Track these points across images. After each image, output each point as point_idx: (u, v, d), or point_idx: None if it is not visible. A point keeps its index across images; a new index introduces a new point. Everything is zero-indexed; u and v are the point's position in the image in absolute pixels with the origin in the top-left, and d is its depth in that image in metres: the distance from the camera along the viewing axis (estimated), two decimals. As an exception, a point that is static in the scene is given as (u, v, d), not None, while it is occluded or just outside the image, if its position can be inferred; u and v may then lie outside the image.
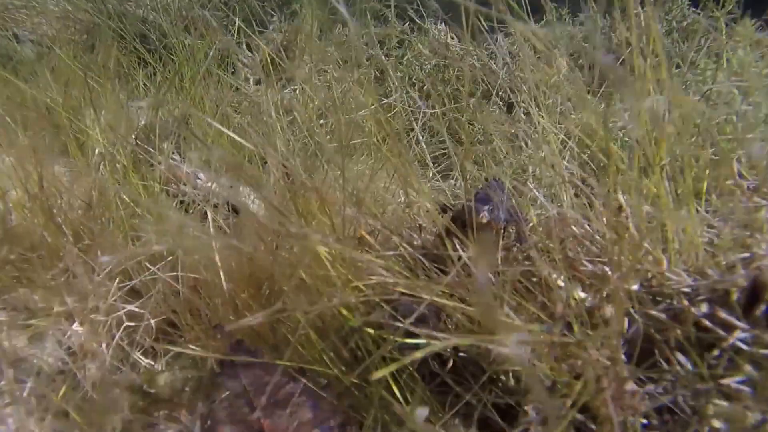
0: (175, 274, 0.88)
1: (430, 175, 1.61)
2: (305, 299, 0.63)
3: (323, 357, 0.61)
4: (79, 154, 1.29)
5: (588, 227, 0.80)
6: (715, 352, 0.58)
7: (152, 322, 0.81)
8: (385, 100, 1.83)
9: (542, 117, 1.10)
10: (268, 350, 0.68)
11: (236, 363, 0.67)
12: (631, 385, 0.55)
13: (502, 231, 0.79)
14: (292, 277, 0.64)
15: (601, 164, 1.51)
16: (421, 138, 2.02)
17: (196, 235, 0.79)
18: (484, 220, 0.73)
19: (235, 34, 2.29)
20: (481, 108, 1.98)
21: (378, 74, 2.26)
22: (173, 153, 1.52)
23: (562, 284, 0.66)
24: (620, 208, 0.77)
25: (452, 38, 2.35)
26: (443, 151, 2.09)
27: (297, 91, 2.04)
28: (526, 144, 1.73)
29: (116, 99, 1.57)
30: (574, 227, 0.79)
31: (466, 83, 2.16)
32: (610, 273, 0.66)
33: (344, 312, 0.59)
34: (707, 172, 0.96)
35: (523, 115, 2.09)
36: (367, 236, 0.75)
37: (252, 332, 0.69)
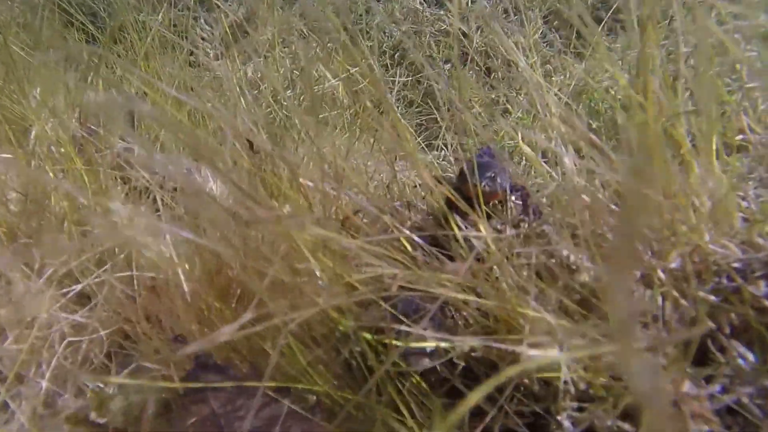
0: (129, 274, 0.74)
1: (412, 147, 1.49)
2: (284, 301, 0.50)
3: (311, 371, 0.49)
4: (20, 142, 1.12)
5: (601, 195, 0.69)
6: (778, 337, 0.48)
7: (102, 334, 0.67)
8: (354, 69, 1.69)
9: (534, 71, 0.98)
10: (242, 365, 0.55)
11: (203, 382, 0.54)
12: (689, 386, 0.45)
13: (508, 203, 0.69)
14: (264, 273, 0.51)
15: (594, 126, 1.40)
16: (396, 108, 1.87)
17: (149, 227, 0.65)
18: (487, 190, 0.62)
19: (191, 7, 2.10)
20: (457, 74, 1.84)
21: (347, 43, 2.10)
22: (125, 135, 1.35)
23: (589, 265, 0.56)
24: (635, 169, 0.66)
25: (421, 4, 2.20)
26: (420, 122, 1.96)
27: (261, 64, 1.87)
28: (508, 110, 1.62)
29: (62, 80, 1.39)
30: (584, 196, 0.69)
31: (439, 49, 2.02)
32: (642, 248, 0.56)
33: (333, 315, 0.47)
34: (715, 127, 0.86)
35: (501, 79, 1.97)
36: (353, 217, 0.62)
37: (222, 343, 0.56)
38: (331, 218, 0.61)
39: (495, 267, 0.53)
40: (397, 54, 2.09)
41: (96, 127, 1.26)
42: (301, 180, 0.64)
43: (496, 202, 0.66)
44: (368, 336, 0.47)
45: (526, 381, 0.56)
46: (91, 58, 1.82)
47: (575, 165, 0.88)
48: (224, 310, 0.59)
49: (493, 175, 0.62)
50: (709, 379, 0.49)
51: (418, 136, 1.77)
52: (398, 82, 1.98)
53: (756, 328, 0.48)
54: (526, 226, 0.64)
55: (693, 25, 0.86)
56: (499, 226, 0.63)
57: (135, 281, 0.72)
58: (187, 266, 0.62)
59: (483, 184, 0.60)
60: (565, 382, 0.50)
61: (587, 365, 0.50)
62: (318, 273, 0.46)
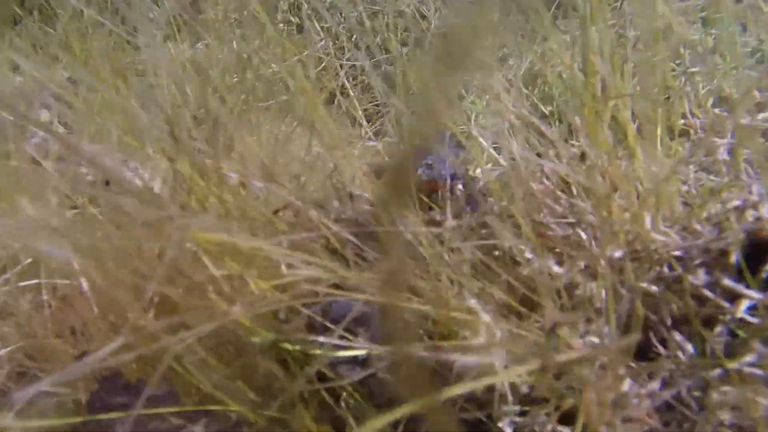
0: (36, 282, 0.66)
1: (363, 134, 1.43)
2: (201, 311, 0.45)
3: (226, 389, 0.43)
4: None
5: (547, 182, 0.66)
6: (718, 329, 0.46)
7: (2, 352, 0.59)
8: (306, 52, 1.60)
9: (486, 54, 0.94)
10: (155, 384, 0.49)
11: (110, 405, 0.48)
12: (628, 385, 0.42)
13: (449, 193, 0.64)
14: (176, 282, 0.45)
15: (548, 110, 1.38)
16: (352, 94, 1.79)
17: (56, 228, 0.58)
18: (424, 178, 0.58)
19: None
20: (414, 58, 1.79)
21: (299, 25, 2.01)
22: (51, 123, 1.23)
23: (531, 256, 0.52)
24: (583, 155, 0.64)
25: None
26: (376, 108, 1.89)
27: (208, 47, 1.75)
28: (466, 92, 1.58)
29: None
30: (531, 183, 0.66)
31: (397, 31, 1.96)
32: (585, 237, 0.53)
33: (247, 325, 0.41)
34: (659, 112, 0.85)
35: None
36: (281, 213, 0.57)
37: (134, 361, 0.50)
38: (256, 216, 0.55)
39: (432, 264, 0.49)
40: (354, 37, 2.00)
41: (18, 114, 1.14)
42: (225, 173, 0.58)
43: (435, 191, 0.62)
44: (290, 347, 0.42)
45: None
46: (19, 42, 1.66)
47: (516, 153, 0.85)
48: (140, 321, 0.53)
49: (430, 162, 0.57)
50: (650, 375, 0.46)
51: (373, 123, 1.71)
52: (358, 66, 1.91)
53: (695, 319, 0.45)
54: (467, 217, 0.60)
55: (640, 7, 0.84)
56: (438, 218, 0.59)
57: (44, 290, 0.64)
58: (96, 273, 0.55)
59: (419, 172, 0.55)
60: (506, 385, 0.47)
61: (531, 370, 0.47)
62: (219, 279, 0.41)
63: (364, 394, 0.49)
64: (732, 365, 0.44)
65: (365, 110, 1.78)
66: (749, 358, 0.44)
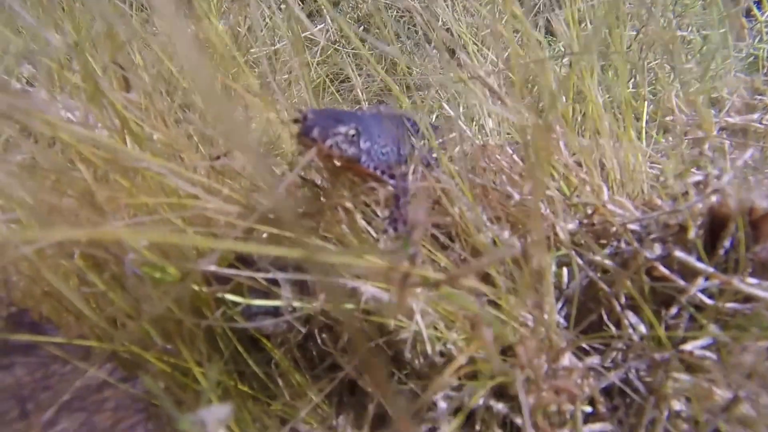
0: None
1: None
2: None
3: (141, 333, 0.39)
4: None
5: (516, 158, 0.62)
6: (673, 309, 0.42)
7: None
8: (316, 28, 1.56)
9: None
10: (70, 327, 0.45)
11: (13, 346, 0.43)
12: (567, 359, 0.38)
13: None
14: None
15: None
16: (358, 79, 1.75)
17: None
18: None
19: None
20: (421, 51, 1.74)
21: (313, 13, 1.98)
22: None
23: (488, 224, 0.48)
24: (550, 129, 0.60)
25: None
26: (378, 97, 1.85)
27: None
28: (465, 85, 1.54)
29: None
30: (499, 157, 0.62)
31: (403, 25, 1.93)
32: (543, 209, 0.49)
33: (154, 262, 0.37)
34: (646, 107, 0.82)
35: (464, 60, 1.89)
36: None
37: (47, 299, 0.46)
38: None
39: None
40: (362, 28, 1.97)
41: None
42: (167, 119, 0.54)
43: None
44: (199, 289, 0.38)
45: (408, 355, 0.48)
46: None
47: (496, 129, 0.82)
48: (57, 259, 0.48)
49: (348, 131, 0.44)
50: (600, 352, 0.42)
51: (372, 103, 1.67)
52: (363, 56, 1.86)
53: (648, 296, 0.41)
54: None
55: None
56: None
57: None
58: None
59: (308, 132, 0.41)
60: (442, 354, 0.43)
61: (468, 337, 0.43)
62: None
63: (303, 356, 0.45)
64: (685, 348, 0.40)
65: (369, 98, 1.72)
66: (703, 341, 0.40)
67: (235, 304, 0.38)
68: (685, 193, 0.45)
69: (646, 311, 0.40)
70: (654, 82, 0.94)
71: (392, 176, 0.47)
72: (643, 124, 0.76)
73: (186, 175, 0.36)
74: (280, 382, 0.49)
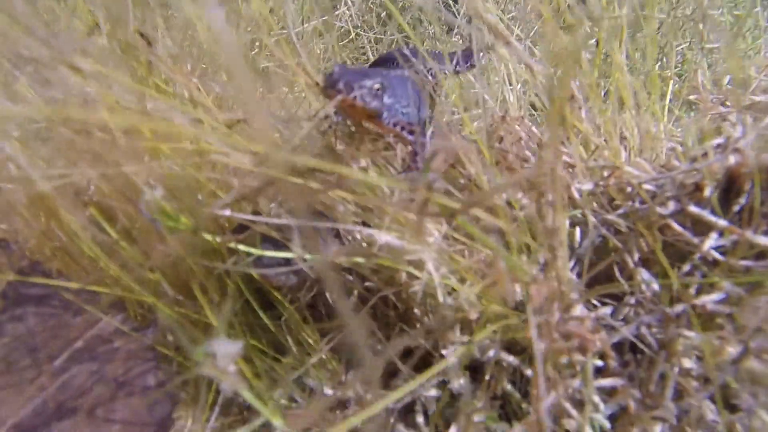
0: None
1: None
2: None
3: (146, 281, 0.38)
4: None
5: (535, 129, 0.61)
6: (686, 267, 0.42)
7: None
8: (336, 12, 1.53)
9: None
10: (79, 277, 0.44)
11: (25, 297, 0.43)
12: (579, 310, 0.38)
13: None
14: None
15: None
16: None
17: None
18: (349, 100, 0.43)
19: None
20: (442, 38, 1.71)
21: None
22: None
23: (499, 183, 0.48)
24: (572, 96, 0.59)
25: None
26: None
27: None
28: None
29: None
30: (518, 127, 0.61)
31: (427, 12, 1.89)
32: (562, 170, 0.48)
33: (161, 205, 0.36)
34: (671, 86, 0.81)
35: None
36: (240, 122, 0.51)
37: (60, 253, 0.45)
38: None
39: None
40: (384, 14, 1.93)
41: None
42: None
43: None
44: (208, 237, 0.37)
45: (416, 311, 0.48)
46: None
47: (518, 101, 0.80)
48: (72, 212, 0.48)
49: (373, 85, 0.43)
50: (615, 310, 0.42)
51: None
52: (385, 41, 1.82)
53: (661, 255, 0.41)
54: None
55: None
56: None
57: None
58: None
59: (338, 84, 0.41)
60: (451, 307, 0.42)
61: (481, 292, 0.42)
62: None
63: (312, 315, 0.45)
64: (698, 302, 0.39)
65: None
66: (716, 295, 0.39)
67: (248, 254, 0.38)
68: (704, 155, 0.44)
69: (662, 264, 0.40)
70: (682, 63, 0.92)
71: (411, 132, 0.47)
72: (667, 102, 0.75)
73: (206, 127, 0.35)
74: (289, 338, 0.49)
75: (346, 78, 0.42)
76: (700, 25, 0.91)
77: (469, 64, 0.67)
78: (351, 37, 1.65)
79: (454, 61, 0.66)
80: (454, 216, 0.30)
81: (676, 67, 0.93)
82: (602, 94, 0.73)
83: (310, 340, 0.48)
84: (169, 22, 0.67)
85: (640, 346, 0.39)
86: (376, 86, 0.44)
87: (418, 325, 0.46)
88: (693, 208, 0.40)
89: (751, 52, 0.94)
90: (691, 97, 0.84)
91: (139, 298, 0.39)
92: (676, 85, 0.82)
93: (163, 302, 0.38)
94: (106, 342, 0.40)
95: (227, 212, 0.33)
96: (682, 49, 0.97)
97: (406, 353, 0.46)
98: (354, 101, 0.42)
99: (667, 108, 0.73)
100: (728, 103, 0.65)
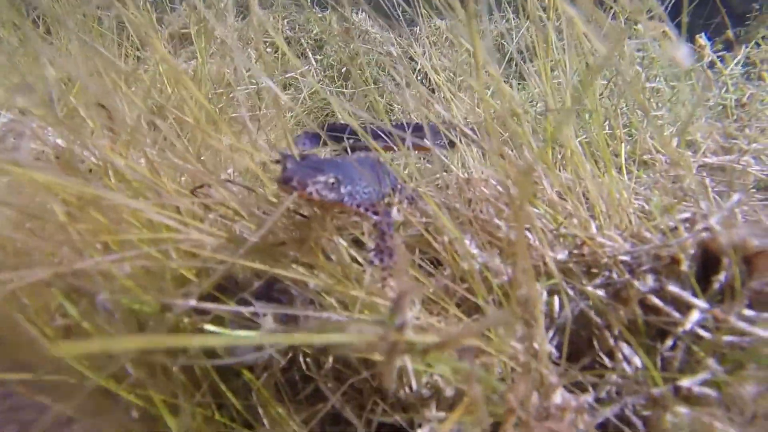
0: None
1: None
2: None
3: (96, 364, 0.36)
4: None
5: (501, 189, 0.61)
6: (669, 341, 0.40)
7: None
8: (290, 73, 1.60)
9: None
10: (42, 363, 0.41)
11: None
12: (559, 396, 0.35)
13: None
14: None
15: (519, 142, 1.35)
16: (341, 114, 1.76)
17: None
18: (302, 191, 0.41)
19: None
20: (401, 91, 1.76)
21: (299, 55, 2.03)
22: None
23: (475, 251, 0.46)
24: (532, 168, 0.59)
25: (371, 27, 2.16)
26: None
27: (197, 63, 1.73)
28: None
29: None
30: (484, 189, 0.60)
31: (385, 68, 1.96)
32: (531, 238, 0.47)
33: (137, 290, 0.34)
34: (623, 147, 0.84)
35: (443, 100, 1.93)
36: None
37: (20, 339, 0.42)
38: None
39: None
40: (344, 69, 2.01)
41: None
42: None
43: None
44: (184, 319, 0.35)
45: (394, 386, 0.45)
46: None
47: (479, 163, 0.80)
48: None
49: (328, 180, 0.42)
50: (595, 388, 0.39)
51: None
52: (344, 95, 1.89)
53: (642, 327, 0.39)
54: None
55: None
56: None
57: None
58: None
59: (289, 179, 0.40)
60: (428, 385, 0.40)
61: (456, 367, 0.40)
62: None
63: (287, 382, 0.42)
64: (683, 384, 0.37)
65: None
66: (701, 376, 0.37)
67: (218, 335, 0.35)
68: (674, 229, 0.43)
69: (640, 345, 0.38)
70: (628, 125, 0.95)
71: (376, 212, 0.46)
72: (623, 161, 0.77)
73: (165, 211, 0.33)
74: (261, 412, 0.46)
75: (299, 174, 0.40)
76: (641, 95, 0.95)
77: (439, 142, 0.66)
78: (313, 89, 1.74)
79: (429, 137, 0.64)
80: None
81: (624, 128, 0.97)
82: (557, 158, 0.74)
83: (282, 414, 0.45)
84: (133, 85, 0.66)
85: (624, 428, 0.37)
86: (331, 181, 0.42)
87: (393, 400, 0.43)
88: (673, 288, 0.38)
89: (692, 119, 0.98)
90: (645, 156, 0.87)
91: (99, 384, 0.36)
92: (628, 146, 0.85)
93: (125, 386, 0.35)
94: (63, 426, 0.37)
95: (192, 302, 0.31)
96: (626, 111, 1.02)
97: (380, 426, 0.43)
98: (310, 196, 0.41)
99: (623, 166, 0.74)
100: (681, 163, 0.66)
